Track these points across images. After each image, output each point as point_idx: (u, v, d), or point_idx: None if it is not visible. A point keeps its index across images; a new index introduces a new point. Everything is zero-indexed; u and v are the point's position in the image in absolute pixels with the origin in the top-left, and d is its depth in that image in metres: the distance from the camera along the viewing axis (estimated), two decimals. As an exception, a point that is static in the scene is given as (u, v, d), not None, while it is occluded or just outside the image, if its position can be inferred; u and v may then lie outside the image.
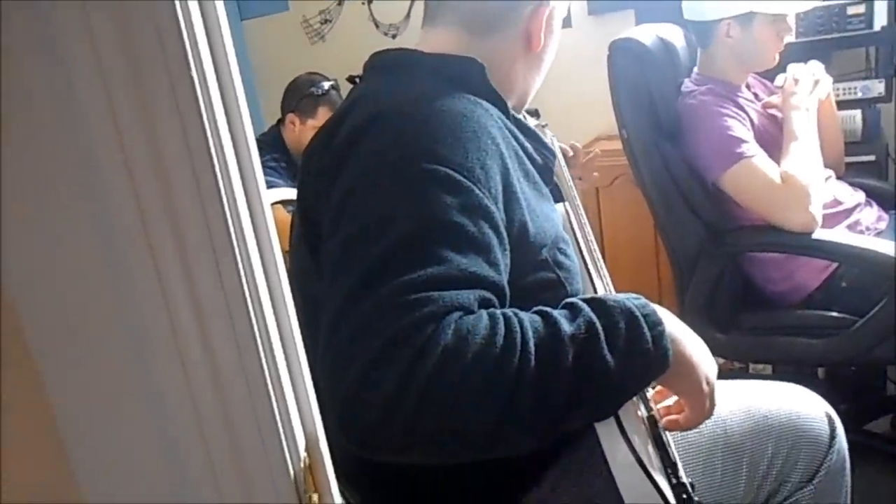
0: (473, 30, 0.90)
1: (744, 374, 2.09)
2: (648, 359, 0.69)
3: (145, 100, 0.41)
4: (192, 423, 0.47)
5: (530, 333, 0.65)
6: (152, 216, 0.43)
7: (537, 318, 0.68)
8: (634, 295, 0.74)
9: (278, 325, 0.50)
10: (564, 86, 2.51)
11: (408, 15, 2.92)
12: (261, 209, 0.48)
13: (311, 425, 0.53)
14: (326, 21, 3.08)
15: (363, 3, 2.99)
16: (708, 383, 0.78)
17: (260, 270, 0.48)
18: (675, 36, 1.80)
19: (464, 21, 0.90)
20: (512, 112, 0.90)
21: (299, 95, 2.26)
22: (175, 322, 0.44)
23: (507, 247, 0.73)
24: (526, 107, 1.00)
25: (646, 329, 0.69)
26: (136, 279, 0.44)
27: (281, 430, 0.48)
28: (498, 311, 0.66)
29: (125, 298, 0.44)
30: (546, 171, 0.91)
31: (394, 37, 2.97)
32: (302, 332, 0.55)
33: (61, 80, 0.41)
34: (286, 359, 0.50)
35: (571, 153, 1.38)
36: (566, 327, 0.67)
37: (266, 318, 0.47)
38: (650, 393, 0.86)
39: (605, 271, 1.03)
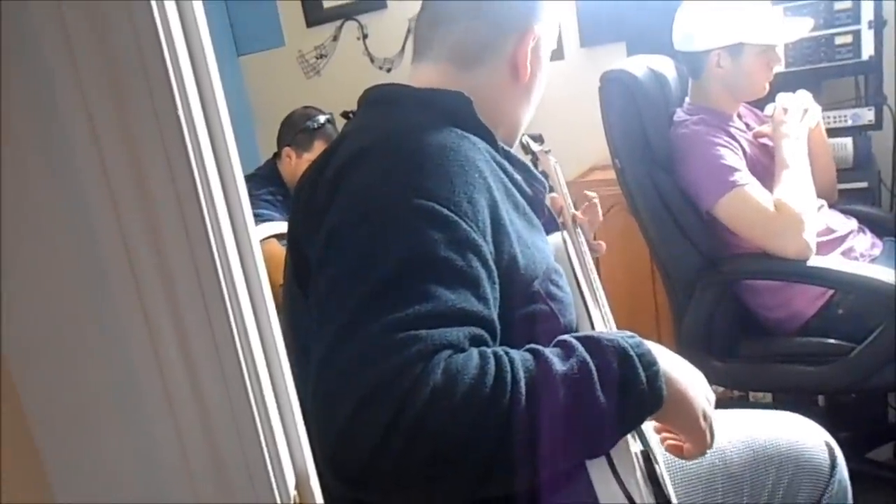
0: (460, 63, 0.91)
1: (743, 402, 2.08)
2: (643, 399, 0.69)
3: (132, 139, 0.41)
4: (180, 462, 0.46)
5: (521, 373, 0.64)
6: (139, 256, 0.42)
7: (529, 356, 0.67)
8: (629, 333, 0.73)
9: (267, 364, 0.49)
10: (558, 116, 2.54)
11: (402, 49, 2.95)
12: (249, 246, 0.48)
13: (302, 463, 0.52)
14: (322, 56, 3.12)
15: (358, 39, 3.03)
16: (705, 418, 0.77)
17: (249, 309, 0.47)
18: (665, 67, 1.83)
19: (450, 55, 0.91)
20: (501, 145, 0.90)
21: (295, 129, 2.27)
22: (162, 361, 0.44)
23: (497, 280, 0.72)
24: (519, 137, 1.01)
25: (640, 369, 0.69)
26: (122, 318, 0.43)
27: (270, 469, 0.48)
28: (489, 350, 0.66)
29: (112, 339, 0.44)
30: (537, 203, 0.91)
31: (388, 70, 3.00)
32: (293, 368, 0.55)
33: (49, 122, 0.41)
34: (275, 394, 0.50)
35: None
36: (558, 366, 0.66)
37: (255, 356, 0.47)
38: (646, 426, 0.85)
39: (604, 301, 1.02)
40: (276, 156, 2.33)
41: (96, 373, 0.45)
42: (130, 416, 0.46)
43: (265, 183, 2.24)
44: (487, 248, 0.72)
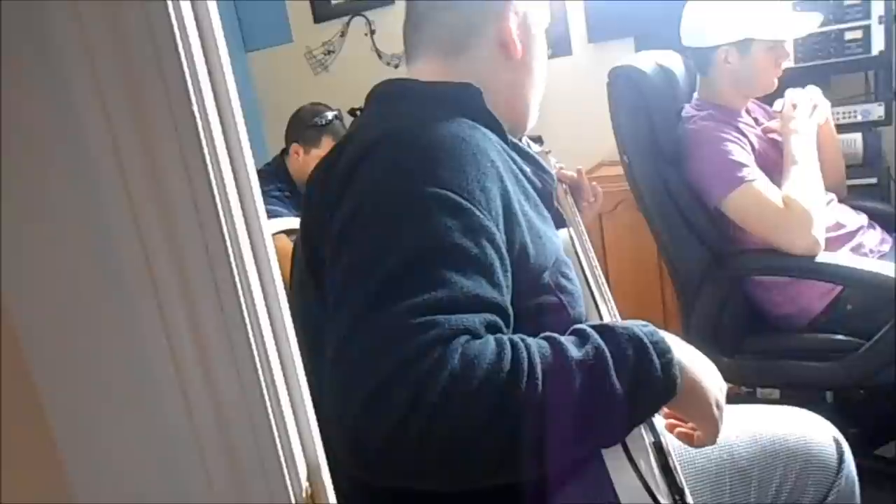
0: (448, 53, 0.91)
1: (751, 398, 2.07)
2: (657, 386, 0.69)
3: (147, 133, 0.42)
4: (194, 452, 0.47)
5: (537, 359, 0.65)
6: (154, 248, 0.43)
7: (545, 343, 0.68)
8: (643, 322, 0.74)
9: (279, 355, 0.50)
10: (566, 112, 2.54)
11: (410, 45, 2.95)
12: (262, 239, 0.48)
13: (313, 454, 0.53)
14: (330, 52, 3.12)
15: (366, 35, 3.03)
16: (718, 406, 0.77)
17: (261, 301, 0.48)
18: (674, 63, 1.82)
19: (437, 49, 0.92)
20: (510, 137, 0.91)
21: (303, 126, 2.28)
22: (176, 352, 0.44)
23: (509, 269, 0.73)
24: (530, 127, 1.00)
25: (655, 357, 0.69)
26: (137, 310, 0.44)
27: (282, 459, 0.48)
28: (505, 337, 0.66)
29: (126, 331, 0.44)
30: (546, 196, 0.91)
31: (396, 66, 3.01)
32: (303, 361, 0.55)
33: (67, 118, 0.42)
34: (287, 387, 0.50)
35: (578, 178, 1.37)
36: (574, 353, 0.66)
37: (267, 347, 0.47)
38: (658, 417, 0.86)
39: (609, 296, 1.03)
40: (284, 152, 2.34)
41: (111, 366, 0.46)
42: (144, 407, 0.47)
43: (273, 179, 2.25)
44: (500, 237, 0.73)
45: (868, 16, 1.95)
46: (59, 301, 0.45)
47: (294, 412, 0.51)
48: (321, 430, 0.56)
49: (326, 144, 2.22)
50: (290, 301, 0.54)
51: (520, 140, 1.07)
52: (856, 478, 1.05)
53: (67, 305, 0.45)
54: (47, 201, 0.44)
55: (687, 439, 0.81)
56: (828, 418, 1.10)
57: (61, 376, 0.46)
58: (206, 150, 0.43)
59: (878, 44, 1.96)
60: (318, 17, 3.10)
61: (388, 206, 0.71)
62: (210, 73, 0.45)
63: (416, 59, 0.95)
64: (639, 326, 0.72)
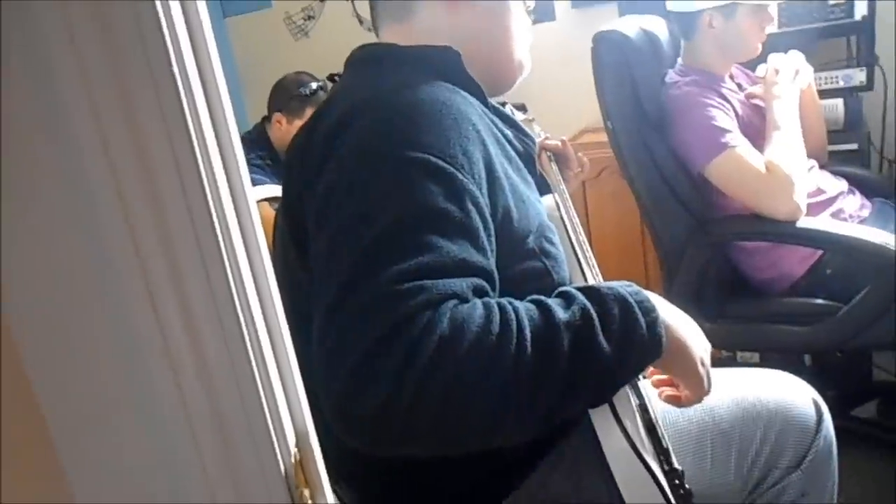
0: (401, 19, 0.91)
1: (731, 362, 2.11)
2: (643, 345, 0.70)
3: (128, 99, 0.41)
4: (182, 419, 0.47)
5: (526, 321, 0.65)
6: (138, 218, 0.42)
7: (532, 306, 0.68)
8: (627, 283, 0.74)
9: (266, 322, 0.50)
10: (549, 78, 2.52)
11: (392, 10, 2.91)
12: (246, 206, 0.48)
13: (301, 421, 0.53)
14: (310, 17, 3.07)
15: (346, 0, 2.98)
16: (703, 364, 0.79)
17: (247, 267, 0.48)
18: (658, 28, 1.81)
19: (391, 16, 0.92)
20: (490, 101, 0.90)
21: (287, 95, 2.25)
22: (162, 319, 0.44)
23: (493, 232, 0.73)
24: (521, 76, 0.97)
25: (640, 315, 0.70)
26: (122, 278, 0.43)
27: (270, 426, 0.48)
28: (492, 301, 0.67)
29: (112, 299, 0.44)
30: (528, 160, 0.91)
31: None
32: (289, 328, 0.55)
33: (46, 79, 0.41)
34: (275, 354, 0.50)
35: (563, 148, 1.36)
36: (561, 315, 0.67)
37: (254, 314, 0.47)
38: (643, 379, 0.87)
39: (593, 261, 1.03)
40: (266, 120, 2.31)
41: (96, 334, 0.46)
42: (131, 376, 0.46)
43: (254, 147, 2.22)
44: (484, 200, 0.72)
45: (852, -20, 1.95)
46: (45, 273, 0.44)
47: (282, 379, 0.51)
48: (308, 399, 0.57)
49: (310, 115, 2.19)
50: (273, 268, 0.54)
51: (504, 105, 1.06)
52: (834, 438, 1.08)
53: (51, 282, 0.44)
54: (30, 180, 0.43)
55: (674, 401, 0.83)
56: (806, 381, 1.12)
57: (51, 360, 0.46)
58: (188, 115, 0.42)
59: (860, 9, 1.96)
60: (298, -18, 3.04)
61: (369, 173, 0.71)
62: (191, 38, 0.44)
63: (379, 30, 0.94)
64: (623, 286, 0.72)
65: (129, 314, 0.44)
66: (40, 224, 0.43)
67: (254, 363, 0.47)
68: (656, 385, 0.86)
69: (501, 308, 0.65)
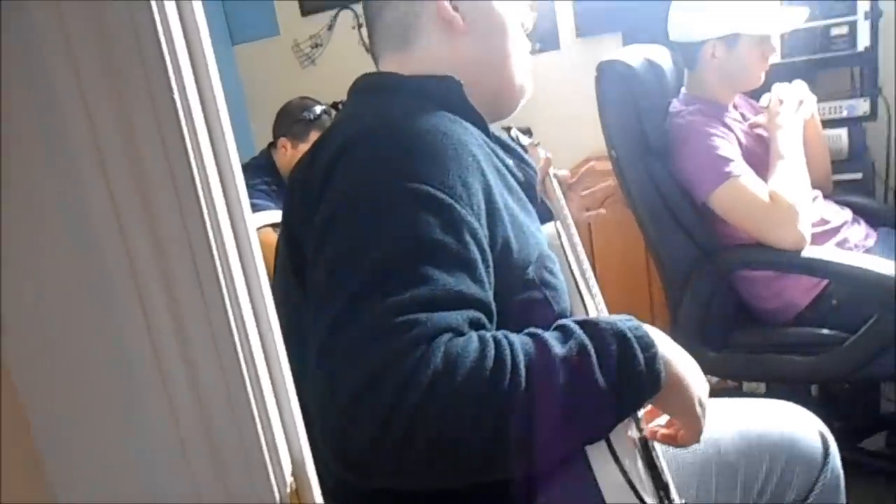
0: (402, 48, 0.91)
1: (737, 392, 2.09)
2: (641, 381, 0.69)
3: (129, 126, 0.41)
4: (177, 447, 0.46)
5: (521, 356, 0.65)
6: (137, 244, 0.42)
7: (528, 339, 0.68)
8: (627, 316, 0.73)
9: (264, 349, 0.49)
10: (554, 106, 2.54)
11: (398, 39, 2.94)
12: (245, 232, 0.48)
13: (298, 449, 0.53)
14: (317, 46, 3.10)
15: (353, 28, 3.02)
16: (701, 405, 0.77)
17: (245, 295, 0.47)
18: (662, 57, 1.82)
19: (392, 45, 0.92)
20: (492, 130, 0.90)
21: (291, 120, 2.26)
22: (158, 346, 0.44)
23: (491, 264, 0.73)
24: (524, 99, 0.98)
25: (638, 351, 0.69)
26: (119, 304, 0.43)
27: (266, 454, 0.48)
28: (488, 334, 0.66)
29: (108, 326, 0.44)
30: (529, 188, 0.91)
31: (384, 61, 2.99)
32: (287, 355, 0.55)
33: (47, 111, 0.41)
34: (272, 381, 0.50)
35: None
36: (557, 349, 0.66)
37: (251, 342, 0.47)
38: (641, 413, 0.86)
39: (596, 290, 1.03)
40: (272, 146, 2.33)
41: (92, 356, 0.45)
42: (126, 402, 0.46)
43: (260, 172, 2.23)
44: (482, 232, 0.72)
45: (854, 12, 1.96)
46: (40, 295, 0.44)
47: (279, 406, 0.50)
48: (306, 427, 0.56)
49: (314, 139, 2.20)
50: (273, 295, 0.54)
51: (509, 130, 1.06)
52: (841, 471, 1.06)
53: (48, 304, 0.44)
54: (29, 199, 0.43)
55: (671, 441, 0.81)
56: (813, 412, 1.10)
57: (42, 379, 0.45)
58: (188, 144, 0.42)
59: (863, 40, 1.97)
60: (306, 11, 3.08)
61: (368, 203, 0.71)
62: (193, 65, 0.44)
63: (379, 59, 0.95)
64: (623, 321, 0.71)
65: (124, 342, 0.44)
66: (37, 244, 0.43)
67: (250, 391, 0.46)
68: (649, 421, 0.85)
69: (497, 342, 0.65)
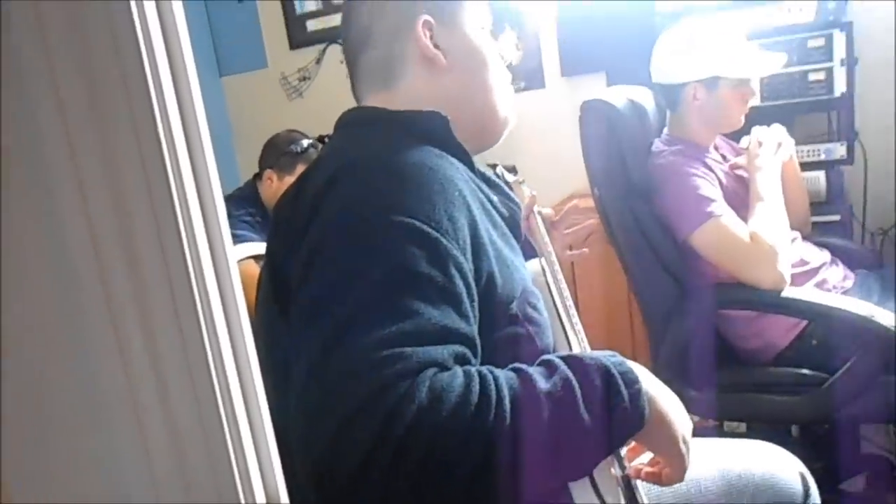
0: (385, 86, 0.92)
1: (718, 431, 2.08)
2: (625, 417, 0.69)
3: (110, 155, 0.41)
4: (149, 486, 0.45)
5: (505, 391, 0.64)
6: (113, 272, 0.42)
7: (513, 375, 0.67)
8: (611, 353, 0.74)
9: (241, 384, 0.48)
10: (538, 144, 2.57)
11: (385, 74, 2.97)
12: (226, 265, 0.47)
13: (274, 488, 0.51)
14: (305, 78, 3.13)
15: (341, 62, 3.03)
16: (685, 442, 0.77)
17: (224, 329, 0.47)
18: (645, 98, 1.85)
19: (375, 84, 0.92)
20: (477, 167, 0.91)
21: (278, 152, 2.27)
22: (132, 378, 0.43)
23: (475, 298, 0.73)
24: (506, 131, 0.99)
25: (622, 387, 0.69)
26: (94, 337, 0.43)
27: (241, 493, 0.47)
28: (473, 369, 0.66)
29: (81, 357, 0.43)
30: (514, 224, 0.92)
31: (371, 95, 3.01)
32: (266, 388, 0.54)
33: (28, 136, 0.41)
34: (248, 418, 0.49)
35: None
36: (542, 385, 0.66)
37: (228, 376, 0.46)
38: (624, 450, 0.85)
39: (580, 327, 1.03)
40: (257, 177, 2.33)
41: (62, 393, 0.45)
42: (98, 436, 0.45)
43: (244, 204, 2.23)
44: (468, 266, 0.72)
45: (831, 58, 2.02)
46: (15, 327, 0.43)
47: (254, 442, 0.49)
48: (284, 462, 0.55)
49: (300, 172, 2.20)
50: (255, 329, 0.53)
51: (495, 167, 1.07)
52: (821, 513, 1.06)
53: (22, 328, 0.44)
54: (11, 230, 0.42)
55: (655, 479, 0.81)
56: (793, 452, 1.10)
57: (11, 403, 0.44)
58: (170, 174, 0.42)
59: (840, 85, 2.02)
60: (294, 44, 3.11)
61: (353, 236, 0.71)
62: (178, 96, 0.44)
63: (363, 100, 0.95)
64: (607, 356, 0.72)
65: (97, 373, 0.43)
66: (14, 272, 0.43)
67: (225, 426, 0.46)
68: (632, 459, 0.85)
69: (482, 377, 0.64)
